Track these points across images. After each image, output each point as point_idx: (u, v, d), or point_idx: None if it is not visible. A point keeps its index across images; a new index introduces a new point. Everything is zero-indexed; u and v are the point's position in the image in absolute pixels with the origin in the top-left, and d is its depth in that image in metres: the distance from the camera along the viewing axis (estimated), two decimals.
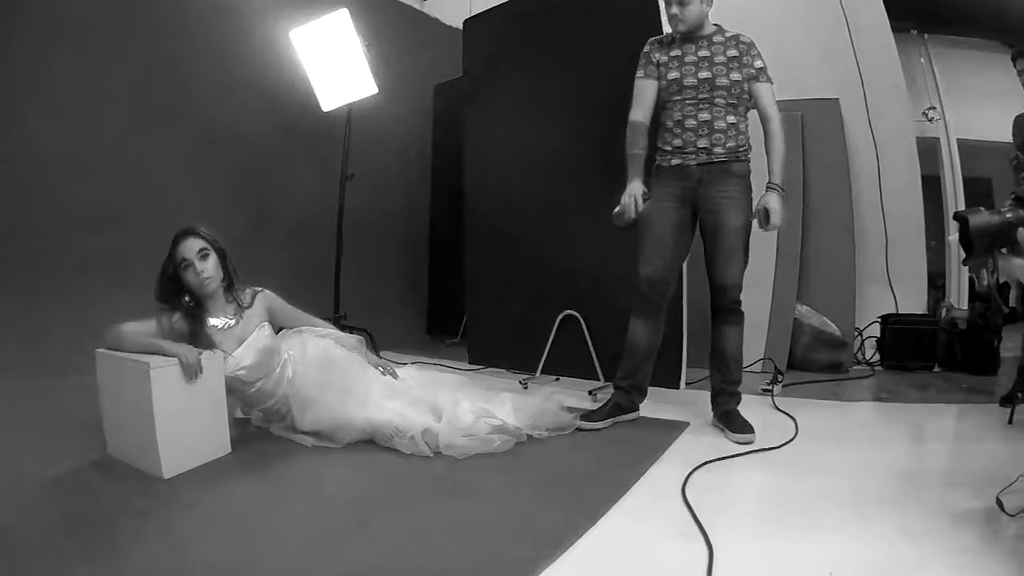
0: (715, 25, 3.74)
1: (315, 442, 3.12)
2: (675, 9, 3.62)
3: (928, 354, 6.25)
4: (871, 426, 4.56)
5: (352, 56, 5.07)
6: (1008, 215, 2.38)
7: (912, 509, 2.79)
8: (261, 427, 3.36)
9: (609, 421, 3.69)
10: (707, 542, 2.30)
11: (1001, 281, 8.42)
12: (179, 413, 2.77)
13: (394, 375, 3.50)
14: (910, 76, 8.95)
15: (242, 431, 3.24)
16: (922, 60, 9.95)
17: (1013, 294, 12.28)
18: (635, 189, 3.63)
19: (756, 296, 4.33)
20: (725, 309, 3.73)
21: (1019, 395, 4.21)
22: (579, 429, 3.57)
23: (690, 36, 3.69)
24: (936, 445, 4.36)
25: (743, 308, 3.77)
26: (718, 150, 3.61)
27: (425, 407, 3.19)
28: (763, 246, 3.81)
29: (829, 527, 2.59)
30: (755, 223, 3.63)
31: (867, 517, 2.69)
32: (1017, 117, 4.87)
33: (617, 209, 3.63)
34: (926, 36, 10.13)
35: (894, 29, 7.25)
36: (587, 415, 3.67)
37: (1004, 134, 4.88)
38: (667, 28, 3.93)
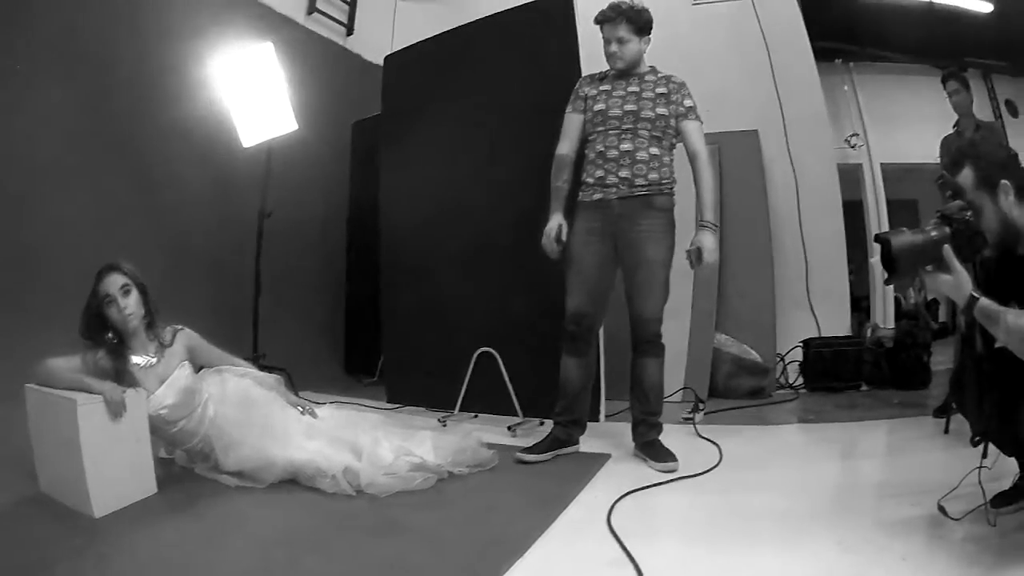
0: (650, 66, 3.84)
1: (238, 482, 3.10)
2: (614, 47, 3.70)
3: (854, 374, 6.34)
4: (799, 447, 4.63)
5: (274, 91, 5.00)
6: (933, 233, 2.45)
7: (848, 522, 2.84)
8: (185, 467, 3.34)
9: (550, 454, 3.69)
10: (637, 570, 2.30)
11: (929, 299, 8.62)
12: (107, 451, 2.79)
13: (313, 415, 3.50)
14: (833, 104, 9.15)
15: (167, 471, 3.22)
16: (846, 88, 10.22)
17: (942, 310, 12.52)
18: (554, 225, 3.70)
19: (674, 326, 4.43)
20: (645, 342, 3.75)
21: (952, 406, 4.26)
22: (521, 462, 3.60)
23: (624, 73, 3.77)
24: (870, 460, 4.47)
25: (663, 340, 3.80)
26: (639, 181, 3.64)
27: (345, 446, 3.19)
28: (680, 276, 3.92)
29: (763, 546, 2.63)
30: (687, 262, 3.69)
31: (801, 534, 2.73)
32: (944, 138, 5.09)
33: (543, 241, 3.71)
34: (851, 65, 10.37)
35: (818, 59, 7.41)
36: (528, 449, 3.70)
37: (928, 156, 4.99)
38: (586, 67, 4.09)
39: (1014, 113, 10.30)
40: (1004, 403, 2.52)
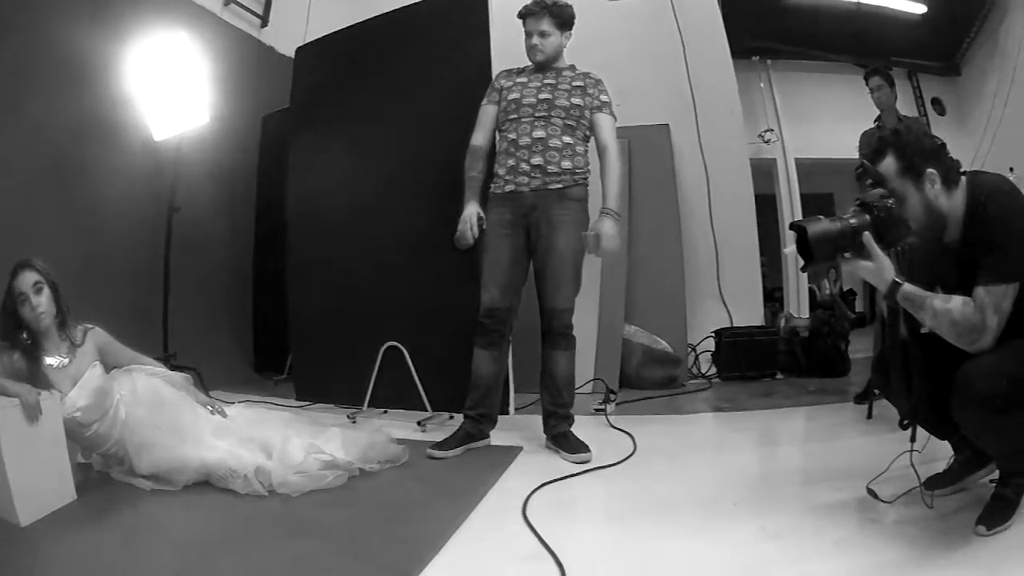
0: (570, 63, 3.91)
1: (153, 485, 3.03)
2: (536, 40, 3.76)
3: (768, 363, 6.49)
4: (715, 435, 4.72)
5: (187, 82, 4.88)
6: (852, 221, 2.46)
7: (772, 509, 2.85)
8: (102, 472, 3.26)
9: (460, 449, 3.67)
10: (557, 562, 2.27)
11: (845, 289, 8.73)
12: (27, 457, 2.72)
13: (223, 413, 3.44)
14: (749, 100, 9.27)
15: (85, 476, 3.14)
16: (762, 85, 10.42)
17: (859, 300, 12.64)
18: (470, 214, 3.71)
19: (583, 318, 4.46)
20: (556, 333, 3.77)
21: (876, 392, 4.32)
22: (431, 457, 3.57)
23: (543, 67, 3.83)
24: (790, 447, 4.55)
25: (573, 332, 3.82)
26: (552, 169, 3.68)
27: (255, 445, 3.14)
28: (588, 268, 3.91)
29: (684, 535, 2.62)
30: (585, 247, 3.69)
31: (724, 521, 2.74)
32: (864, 132, 5.14)
33: (456, 234, 3.71)
34: (769, 62, 10.55)
35: (736, 56, 7.53)
36: (438, 444, 3.65)
37: (845, 151, 5.05)
38: (498, 62, 4.14)
39: (941, 111, 10.65)
40: (933, 387, 2.54)
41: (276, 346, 6.25)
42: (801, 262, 2.53)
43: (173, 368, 3.83)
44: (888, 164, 2.54)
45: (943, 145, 2.57)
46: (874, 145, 2.65)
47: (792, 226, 2.53)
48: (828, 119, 9.87)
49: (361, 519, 2.74)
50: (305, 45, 5.57)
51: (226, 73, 5.64)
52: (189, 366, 4.37)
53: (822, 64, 10.55)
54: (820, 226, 2.44)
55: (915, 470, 2.67)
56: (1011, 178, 2.66)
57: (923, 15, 10.15)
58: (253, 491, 2.94)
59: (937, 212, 2.50)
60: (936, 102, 10.77)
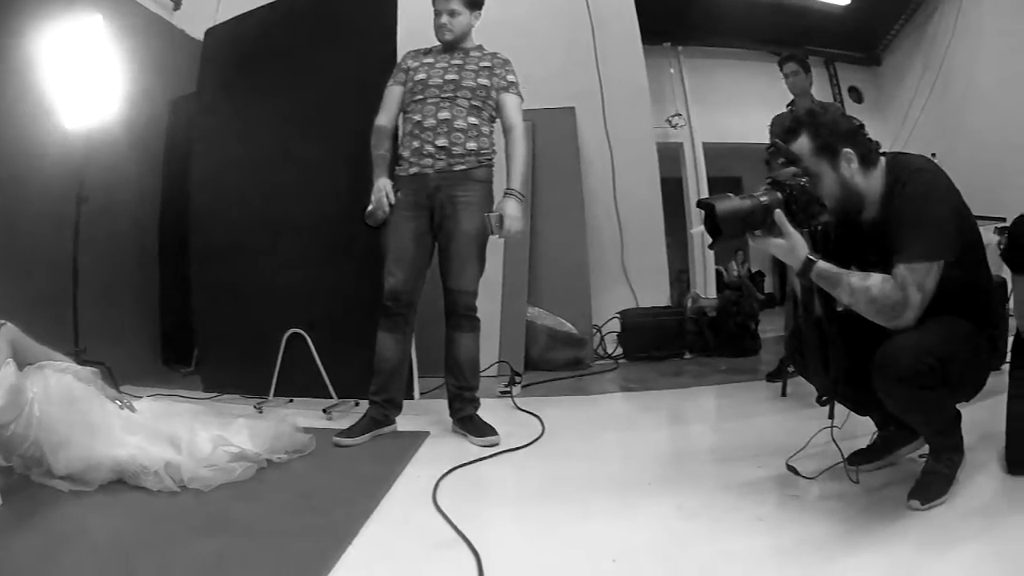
0: (478, 44, 3.90)
1: (70, 486, 2.89)
2: (444, 19, 3.72)
3: (676, 343, 6.61)
4: (625, 415, 4.71)
5: (99, 68, 4.73)
6: (763, 199, 2.43)
7: (689, 488, 2.84)
8: (23, 475, 3.08)
9: (367, 436, 3.61)
10: (471, 548, 2.20)
11: (754, 271, 8.84)
12: None
13: (131, 408, 3.30)
14: (658, 85, 9.37)
15: (8, 481, 2.97)
16: (672, 71, 10.65)
17: (768, 280, 12.91)
18: (383, 184, 3.65)
19: (487, 300, 4.40)
20: (459, 315, 3.77)
21: (789, 369, 4.32)
22: (337, 445, 3.51)
23: (451, 47, 3.80)
24: (704, 425, 4.55)
25: (478, 314, 3.82)
26: (457, 150, 3.66)
27: (165, 440, 3.05)
28: (491, 251, 3.89)
29: (599, 515, 2.59)
30: (488, 228, 3.66)
31: (638, 501, 2.72)
32: (776, 116, 5.16)
33: (369, 208, 3.64)
34: (680, 48, 10.72)
35: (647, 42, 7.62)
36: (344, 432, 3.60)
37: (754, 136, 5.03)
38: (405, 42, 4.10)
39: (858, 99, 11.01)
40: (851, 363, 2.54)
41: (183, 338, 6.06)
42: (709, 239, 2.49)
43: (83, 363, 3.65)
44: (802, 143, 2.53)
45: (861, 126, 2.57)
46: (788, 124, 2.62)
47: (700, 203, 2.49)
48: (739, 105, 10.09)
49: (272, 512, 2.68)
50: (213, 27, 5.46)
51: (135, 57, 5.50)
52: (99, 361, 4.21)
53: (736, 51, 10.77)
54: (729, 203, 2.40)
55: (837, 446, 2.68)
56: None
57: (846, 7, 10.46)
58: (165, 487, 2.85)
59: (854, 190, 2.51)
60: (853, 90, 11.20)
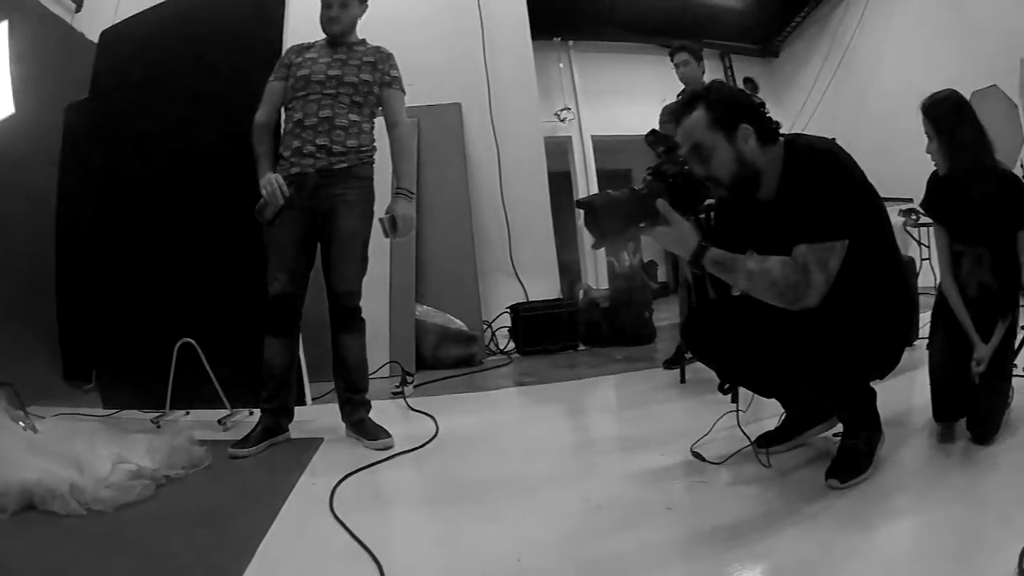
0: (362, 38, 3.83)
1: None
2: (335, 11, 3.64)
3: (569, 335, 6.64)
4: (521, 409, 4.71)
5: None
6: (644, 191, 2.43)
7: (593, 479, 2.82)
8: None
9: (262, 446, 3.52)
10: (372, 556, 2.12)
11: (646, 260, 8.77)
12: None
13: (34, 429, 3.27)
14: (547, 80, 9.39)
15: None
16: (561, 65, 10.69)
17: (662, 270, 13.02)
18: (273, 177, 3.52)
19: (374, 300, 4.33)
20: (344, 317, 3.69)
21: (687, 355, 4.27)
22: (232, 457, 3.41)
23: (335, 41, 3.72)
24: (603, 415, 4.56)
25: (363, 315, 3.75)
26: (337, 149, 3.57)
27: (68, 461, 2.93)
28: (377, 249, 3.86)
29: (503, 514, 2.52)
30: (382, 231, 3.62)
31: (542, 496, 2.68)
32: (666, 105, 5.22)
33: (260, 202, 3.54)
34: (570, 43, 10.82)
35: (537, 37, 7.70)
36: (238, 443, 3.50)
37: (644, 128, 5.00)
38: (289, 42, 3.97)
39: (754, 89, 11.56)
40: (751, 348, 2.52)
41: (85, 353, 5.84)
42: (592, 239, 2.46)
43: None
44: (698, 117, 2.46)
45: (762, 104, 2.54)
46: (685, 99, 2.56)
47: (579, 203, 2.51)
48: (629, 97, 10.28)
49: (172, 531, 2.57)
50: (108, 28, 5.22)
51: (32, 60, 5.37)
52: (5, 381, 4.01)
53: (627, 45, 10.86)
54: (606, 199, 2.39)
55: (742, 430, 2.70)
56: None
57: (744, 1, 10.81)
58: (72, 511, 2.72)
59: (751, 165, 2.46)
60: (749, 81, 11.71)
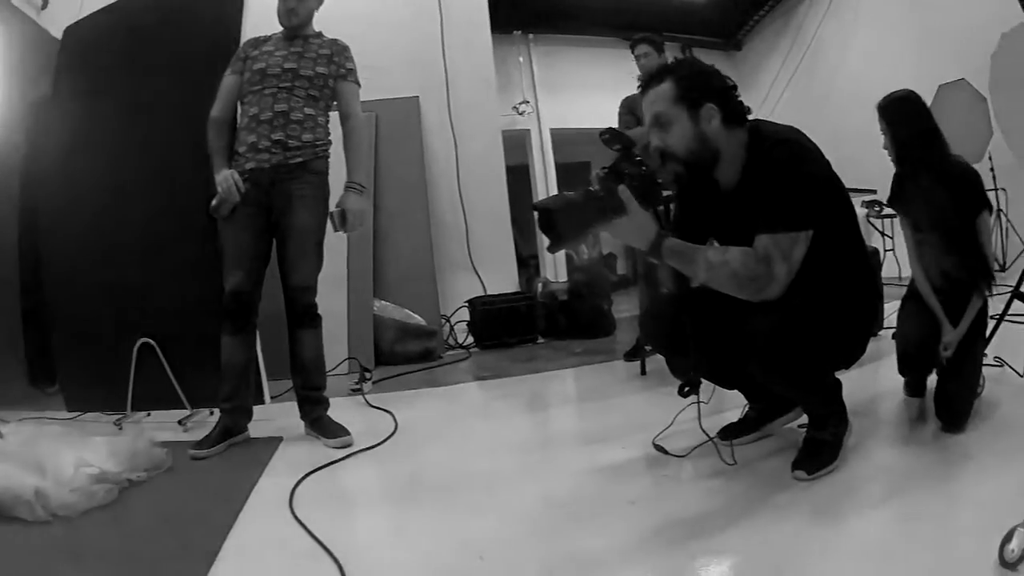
0: (318, 30, 3.81)
1: None
2: (293, 3, 3.64)
3: (528, 328, 6.66)
4: (481, 405, 4.69)
5: None
6: (599, 191, 2.37)
7: (554, 475, 2.81)
8: None
9: (221, 446, 3.49)
10: (332, 557, 2.11)
11: (605, 253, 8.79)
12: None
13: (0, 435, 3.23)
14: (506, 74, 9.39)
15: None
16: (521, 59, 10.78)
17: (621, 262, 13.11)
18: (229, 174, 3.52)
19: (332, 296, 4.30)
20: (299, 313, 3.68)
21: (646, 348, 4.27)
22: (193, 458, 3.37)
23: (291, 34, 3.72)
24: (563, 409, 4.55)
25: (319, 311, 3.74)
26: (293, 143, 3.56)
27: (32, 466, 2.88)
28: (334, 245, 3.86)
29: (463, 511, 2.51)
30: (330, 225, 3.63)
31: (503, 493, 2.66)
32: (626, 98, 5.20)
33: (215, 200, 3.50)
34: (530, 37, 10.94)
35: (497, 31, 7.74)
36: (197, 443, 3.46)
37: (603, 121, 5.00)
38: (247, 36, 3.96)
39: None
40: (712, 339, 2.52)
41: (46, 355, 5.71)
42: (548, 242, 2.39)
43: None
44: (664, 89, 2.44)
45: (732, 87, 2.51)
46: (653, 72, 2.52)
47: (534, 207, 2.41)
48: (589, 91, 10.28)
49: (135, 536, 2.55)
50: (71, 25, 5.18)
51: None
52: None
53: (587, 39, 10.98)
54: (562, 204, 2.31)
55: (703, 428, 2.61)
56: None
57: None
58: (37, 517, 2.69)
59: (711, 145, 2.44)
60: None
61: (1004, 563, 1.63)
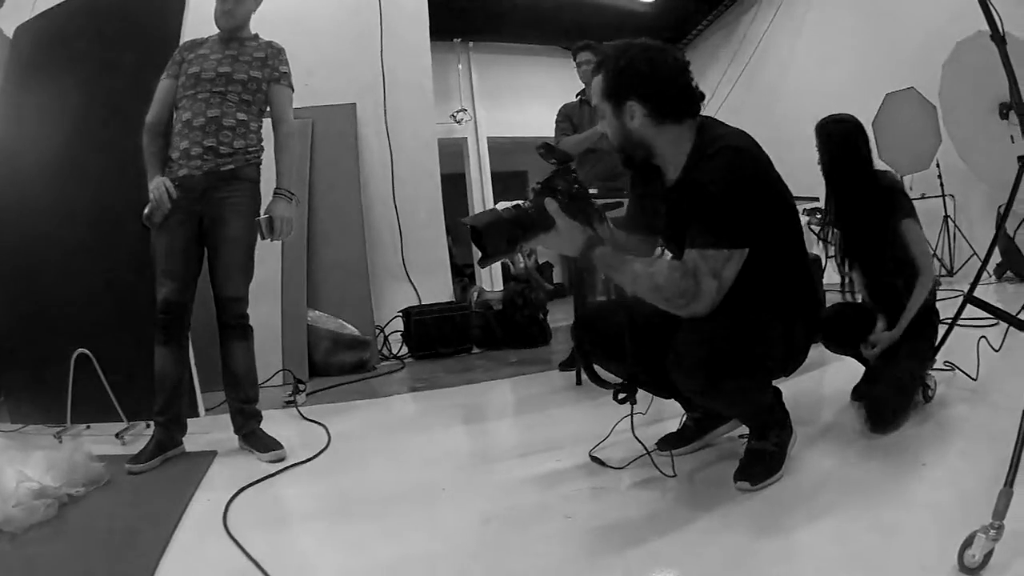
0: (255, 33, 3.80)
1: None
2: (230, 4, 3.61)
3: (462, 338, 6.70)
4: (415, 416, 4.68)
5: None
6: (530, 209, 2.38)
7: (489, 489, 2.79)
8: None
9: (156, 460, 3.42)
10: (265, 574, 2.10)
11: (541, 262, 8.85)
12: None
13: None
14: (444, 81, 9.39)
15: None
16: (460, 66, 10.88)
17: (557, 271, 13.19)
18: (161, 181, 3.47)
19: (265, 306, 4.19)
20: (231, 325, 3.64)
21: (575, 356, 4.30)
22: (129, 472, 3.31)
23: (228, 37, 3.68)
24: (498, 420, 4.53)
25: (251, 322, 3.71)
26: (224, 150, 3.53)
27: None
28: (268, 254, 3.92)
29: (400, 528, 2.48)
30: (259, 233, 3.59)
31: (439, 508, 2.64)
32: (564, 105, 5.30)
33: (147, 210, 3.46)
34: (470, 44, 11.00)
35: (436, 38, 7.70)
36: (133, 458, 3.39)
37: (543, 130, 5.00)
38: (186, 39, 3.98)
39: None
40: (648, 349, 2.47)
41: None
42: (479, 255, 2.44)
43: None
44: (597, 82, 2.47)
45: (670, 78, 2.43)
46: (598, 58, 2.53)
47: (463, 222, 2.45)
48: (527, 99, 10.53)
49: (76, 553, 2.49)
50: (21, 25, 5.13)
51: None
52: None
53: (527, 47, 11.01)
54: (492, 220, 2.34)
55: (637, 438, 2.59)
56: None
57: (650, 4, 10.99)
58: None
59: (637, 140, 2.45)
60: None
61: (964, 569, 1.64)
